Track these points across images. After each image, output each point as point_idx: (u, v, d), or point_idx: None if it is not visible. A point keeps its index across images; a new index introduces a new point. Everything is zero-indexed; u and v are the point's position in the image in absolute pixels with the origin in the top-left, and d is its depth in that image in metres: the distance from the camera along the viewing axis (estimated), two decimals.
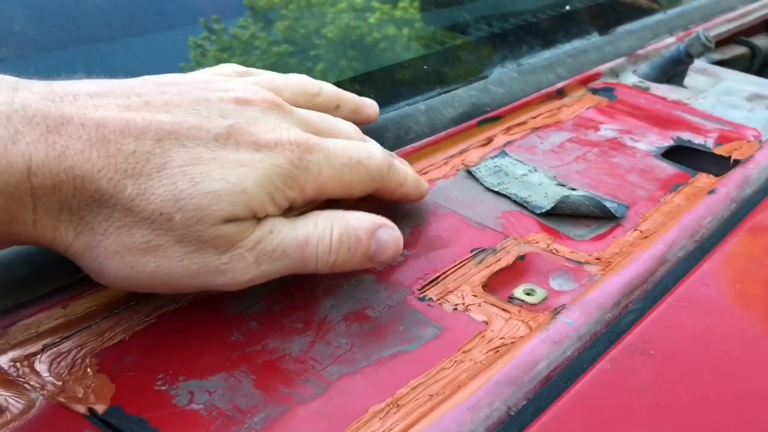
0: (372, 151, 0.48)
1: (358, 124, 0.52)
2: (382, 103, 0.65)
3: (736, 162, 0.67)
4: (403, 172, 0.51)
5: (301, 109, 0.47)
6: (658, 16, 1.02)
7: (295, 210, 0.47)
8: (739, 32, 1.10)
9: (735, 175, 0.63)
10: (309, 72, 0.68)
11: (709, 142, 0.71)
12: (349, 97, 0.54)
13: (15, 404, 0.38)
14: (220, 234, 0.39)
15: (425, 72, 0.73)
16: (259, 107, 0.43)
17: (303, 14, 0.76)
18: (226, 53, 0.69)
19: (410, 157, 0.63)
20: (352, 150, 0.46)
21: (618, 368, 0.41)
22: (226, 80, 0.45)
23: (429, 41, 0.82)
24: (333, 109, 0.52)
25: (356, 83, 0.69)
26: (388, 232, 0.46)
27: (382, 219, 0.46)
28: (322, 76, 0.69)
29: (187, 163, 0.38)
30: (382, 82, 0.70)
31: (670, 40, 0.96)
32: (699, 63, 0.90)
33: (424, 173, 0.62)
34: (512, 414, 0.39)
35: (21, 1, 0.59)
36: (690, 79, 0.87)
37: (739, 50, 1.08)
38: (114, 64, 0.61)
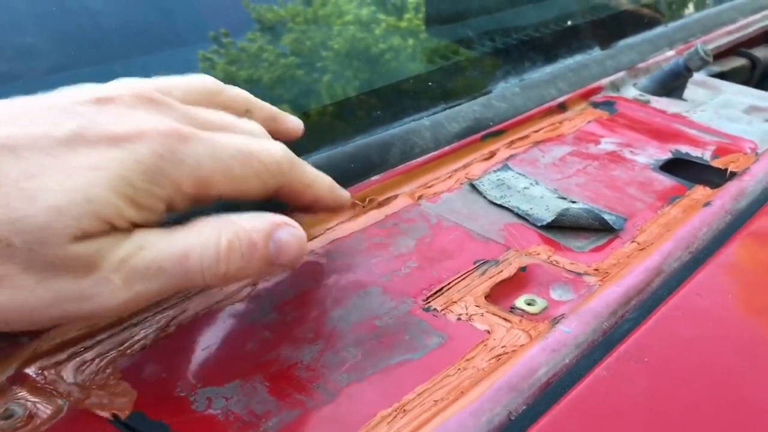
0: (271, 146, 0.43)
1: (276, 137, 0.46)
2: (388, 120, 0.67)
3: (733, 174, 0.69)
4: (312, 173, 0.47)
5: (190, 106, 0.41)
6: (658, 30, 1.04)
7: (178, 211, 0.41)
8: (739, 44, 1.12)
9: (730, 188, 0.65)
10: (316, 83, 0.71)
11: (706, 155, 0.73)
12: (264, 105, 0.49)
13: (44, 410, 0.41)
14: (72, 255, 0.34)
15: (429, 88, 0.75)
16: (124, 103, 0.38)
17: (309, 27, 0.78)
18: (235, 66, 0.70)
19: (415, 172, 0.65)
20: (244, 143, 0.41)
21: (613, 375, 0.43)
22: (97, 85, 0.40)
23: (433, 55, 0.84)
24: (242, 112, 0.47)
25: (362, 99, 0.71)
26: (289, 232, 0.41)
27: (282, 218, 0.42)
28: (329, 88, 0.71)
29: (24, 177, 0.33)
30: (388, 97, 0.73)
31: (671, 53, 0.98)
32: (698, 76, 0.92)
33: (429, 187, 0.64)
34: (513, 418, 0.41)
35: (32, 21, 0.61)
36: (689, 92, 0.89)
37: (739, 62, 1.10)
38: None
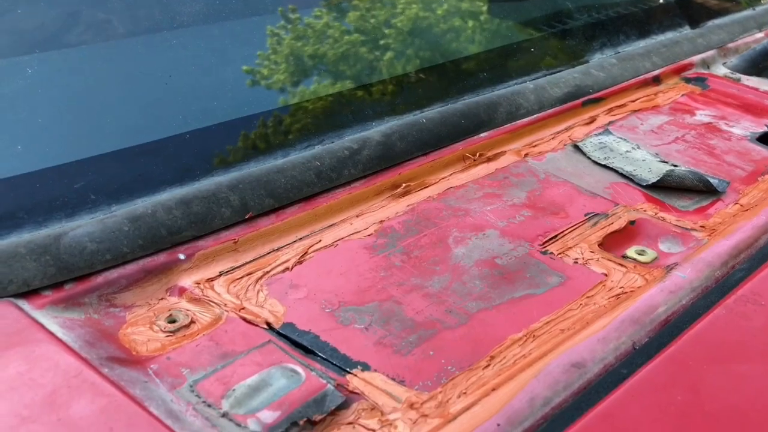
0: None
1: None
2: (495, 81, 0.70)
3: None
4: None
5: None
6: (746, 12, 1.05)
7: None
8: None
9: None
10: (377, 62, 0.70)
11: None
12: None
13: (203, 317, 0.45)
14: None
15: (532, 55, 0.78)
16: None
17: (374, 5, 0.76)
18: (301, 41, 0.71)
19: (521, 131, 0.68)
20: None
21: (732, 314, 0.45)
22: None
23: (526, 28, 0.86)
24: None
25: (474, 59, 0.73)
26: None
27: None
28: (390, 65, 0.70)
29: None
30: (495, 62, 0.75)
31: (760, 35, 0.99)
32: None
33: (534, 146, 0.67)
34: (637, 348, 0.43)
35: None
36: None
37: None
38: (195, 49, 0.63)
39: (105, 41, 0.57)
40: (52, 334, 0.41)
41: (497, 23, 0.80)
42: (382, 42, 0.72)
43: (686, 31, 0.95)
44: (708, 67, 0.90)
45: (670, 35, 0.93)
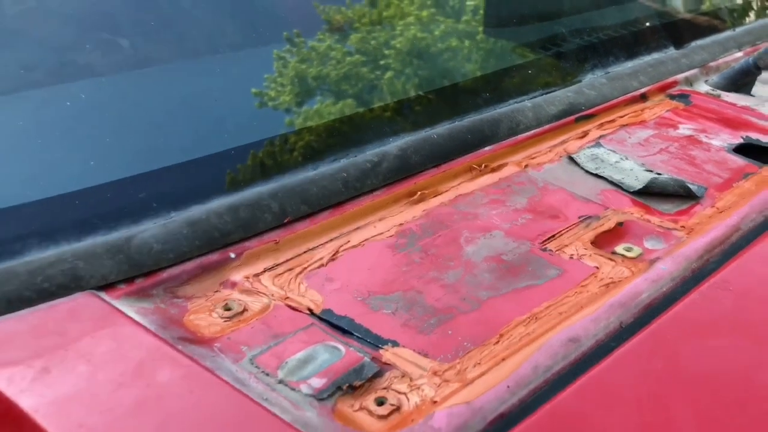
0: None
1: None
2: (496, 100, 0.78)
3: None
4: None
5: None
6: (727, 33, 1.13)
7: None
8: None
9: None
10: (378, 81, 0.77)
11: None
12: None
13: (254, 306, 0.52)
14: None
15: (529, 76, 0.86)
16: None
17: (374, 28, 0.82)
18: (305, 64, 0.76)
19: (521, 145, 0.76)
20: None
21: (705, 298, 0.53)
22: None
23: (526, 49, 0.95)
24: None
25: (477, 81, 0.82)
26: None
27: None
28: (390, 84, 0.77)
29: None
30: (496, 82, 0.84)
31: (739, 54, 1.07)
32: (765, 74, 1.01)
33: (533, 158, 0.75)
34: (623, 326, 0.51)
35: (121, 21, 0.65)
36: (757, 88, 0.98)
37: None
38: (210, 75, 0.69)
39: (158, 66, 0.65)
40: (131, 318, 0.48)
41: (497, 46, 0.88)
42: (391, 62, 0.80)
43: (671, 51, 1.03)
44: (691, 85, 0.98)
45: (656, 56, 1.01)
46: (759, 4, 1.34)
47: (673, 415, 0.43)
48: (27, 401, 0.42)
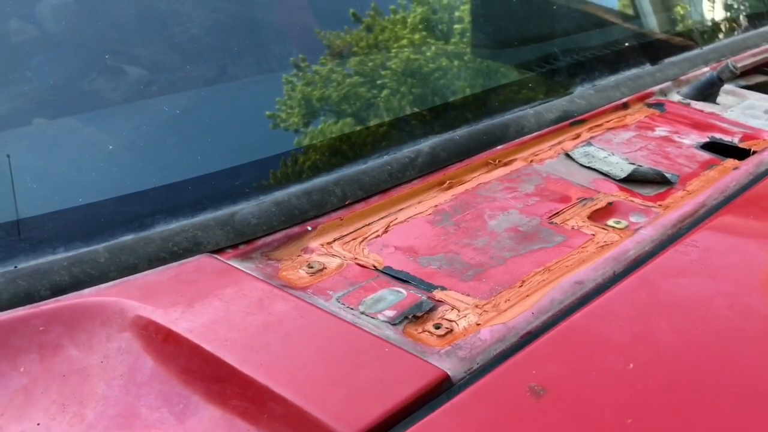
0: None
1: None
2: (505, 109, 0.94)
3: (755, 152, 0.95)
4: None
5: None
6: (695, 51, 1.31)
7: None
8: (762, 64, 1.38)
9: (753, 159, 0.91)
10: (375, 98, 0.94)
11: (735, 140, 0.99)
12: None
13: (331, 264, 0.68)
14: None
15: (531, 89, 1.03)
16: None
17: (371, 51, 0.93)
18: (310, 87, 0.84)
19: (527, 144, 0.92)
20: None
21: (677, 252, 0.69)
22: None
23: (524, 66, 1.11)
24: None
25: (490, 94, 0.98)
26: None
27: None
28: (386, 101, 0.91)
29: None
30: (505, 95, 1.00)
31: (706, 69, 1.25)
32: (728, 86, 1.18)
33: (536, 155, 0.91)
34: (615, 273, 0.67)
35: (133, 51, 0.76)
36: (721, 98, 1.15)
37: (762, 78, 1.36)
38: (226, 100, 0.80)
39: (237, 83, 0.82)
40: (244, 272, 0.64)
41: (504, 66, 1.05)
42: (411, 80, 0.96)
43: (647, 67, 1.20)
44: (665, 95, 1.15)
45: (635, 71, 1.18)
46: (725, 26, 1.52)
47: (653, 329, 0.59)
48: (182, 326, 0.57)
